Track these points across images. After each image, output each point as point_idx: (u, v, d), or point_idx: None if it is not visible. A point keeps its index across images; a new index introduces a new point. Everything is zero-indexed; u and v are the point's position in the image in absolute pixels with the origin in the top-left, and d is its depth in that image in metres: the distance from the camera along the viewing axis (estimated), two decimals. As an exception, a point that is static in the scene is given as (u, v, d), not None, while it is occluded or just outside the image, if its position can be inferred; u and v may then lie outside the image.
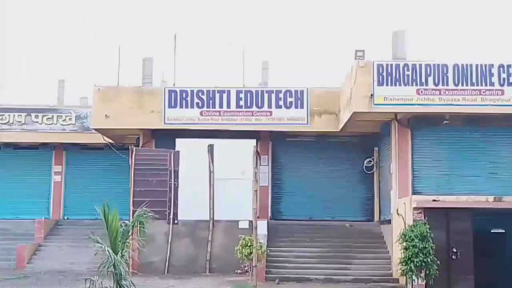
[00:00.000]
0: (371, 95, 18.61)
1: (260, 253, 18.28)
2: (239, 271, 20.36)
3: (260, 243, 18.65)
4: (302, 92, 22.42)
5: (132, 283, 8.89)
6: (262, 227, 19.53)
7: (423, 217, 16.96)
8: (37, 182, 26.86)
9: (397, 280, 18.42)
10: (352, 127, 21.20)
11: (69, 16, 56.67)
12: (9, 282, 18.22)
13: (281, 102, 22.34)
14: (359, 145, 23.67)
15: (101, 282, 8.85)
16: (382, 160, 22.33)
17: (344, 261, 20.24)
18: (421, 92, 18.87)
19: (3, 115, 25.92)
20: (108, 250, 8.72)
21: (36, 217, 25.27)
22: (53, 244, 24.53)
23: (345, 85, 20.51)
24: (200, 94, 22.49)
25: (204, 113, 22.40)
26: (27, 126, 25.99)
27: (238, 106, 22.38)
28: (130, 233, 9.37)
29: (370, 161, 23.37)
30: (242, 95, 22.40)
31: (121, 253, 9.12)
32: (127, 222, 9.50)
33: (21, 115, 26.03)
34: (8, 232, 25.19)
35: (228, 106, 22.38)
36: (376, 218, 23.12)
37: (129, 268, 9.22)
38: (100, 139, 24.58)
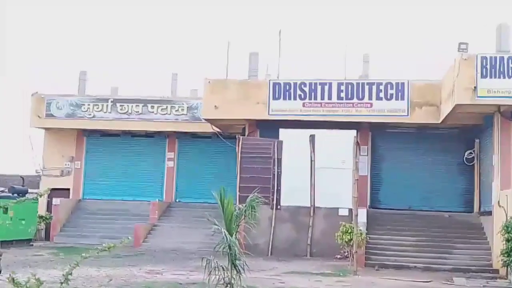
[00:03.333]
0: (475, 87, 17.80)
1: (360, 240, 18.09)
2: (338, 256, 20.21)
3: (360, 230, 18.45)
4: (402, 84, 21.83)
5: (245, 263, 9.02)
6: (361, 215, 19.27)
7: (526, 210, 16.14)
8: (152, 168, 27.78)
9: (497, 271, 17.62)
10: (453, 119, 20.41)
11: (180, 13, 58.25)
12: (128, 259, 19.02)
13: (381, 94, 21.87)
14: (460, 137, 22.78)
15: (217, 262, 9.03)
16: (483, 152, 21.38)
17: (443, 251, 19.61)
18: (526, 85, 17.88)
19: (123, 105, 26.99)
20: (224, 232, 8.88)
21: (151, 199, 26.25)
22: (166, 224, 25.40)
23: (447, 77, 19.76)
24: (302, 86, 22.41)
25: (306, 104, 22.30)
26: (143, 115, 26.91)
27: (339, 98, 22.11)
28: (243, 217, 9.50)
29: (471, 153, 22.44)
30: (343, 87, 22.11)
31: (235, 235, 9.27)
32: (240, 206, 9.64)
33: (138, 106, 26.98)
34: (126, 212, 26.35)
35: (330, 97, 22.15)
36: (476, 209, 22.20)
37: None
38: (209, 128, 25.01)
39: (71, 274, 5.03)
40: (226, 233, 8.89)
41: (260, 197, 9.91)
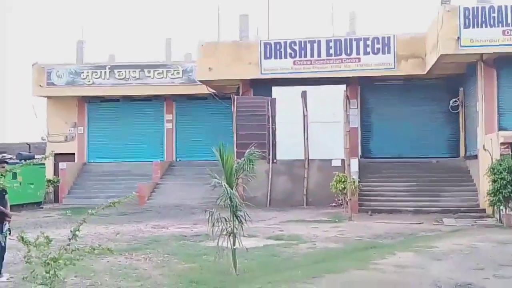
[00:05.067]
0: (458, 37, 17.53)
1: (353, 187, 18.07)
2: (333, 204, 20.25)
3: (353, 178, 18.40)
4: (388, 38, 21.49)
5: (246, 213, 8.90)
6: (353, 164, 19.18)
7: (510, 152, 16.06)
8: (152, 130, 27.58)
9: (483, 211, 17.70)
10: (437, 69, 20.18)
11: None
12: (134, 216, 19.00)
13: (369, 49, 21.54)
14: (445, 86, 22.56)
15: (219, 213, 8.91)
16: (468, 100, 21.22)
17: (432, 194, 19.64)
18: (507, 33, 17.62)
19: (120, 71, 26.59)
20: (224, 185, 8.73)
21: (152, 159, 26.10)
22: (168, 182, 25.32)
23: (431, 30, 19.43)
24: (292, 45, 22.04)
25: (297, 62, 21.97)
26: (141, 80, 26.57)
27: (328, 54, 21.79)
28: (242, 170, 9.33)
29: (455, 101, 22.28)
30: (332, 44, 21.76)
31: (235, 187, 9.12)
32: (238, 160, 9.45)
33: (135, 71, 26.60)
34: (129, 173, 26.22)
35: (319, 55, 21.82)
36: (462, 154, 22.19)
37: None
38: (204, 89, 24.74)
39: (78, 230, 4.89)
40: (227, 186, 8.74)
41: (257, 151, 9.72)
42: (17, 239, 5.24)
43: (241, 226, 9.05)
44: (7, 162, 10.01)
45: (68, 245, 4.78)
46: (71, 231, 4.86)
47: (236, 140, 21.31)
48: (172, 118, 27.55)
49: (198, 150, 26.53)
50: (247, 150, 9.64)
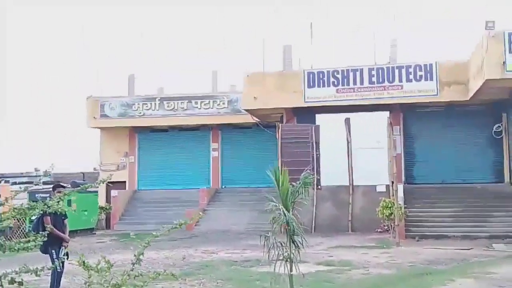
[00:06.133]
0: (504, 62, 16.71)
1: (400, 213, 17.21)
2: (379, 230, 19.36)
3: (399, 204, 17.55)
4: (431, 65, 20.76)
5: (303, 238, 8.26)
6: (398, 190, 18.33)
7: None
8: (199, 158, 27.29)
9: (533, 236, 16.58)
10: (481, 95, 19.27)
11: (216, 13, 57.62)
12: (183, 241, 18.54)
13: (411, 76, 20.83)
14: (487, 112, 21.59)
15: (275, 238, 8.30)
16: (511, 125, 20.21)
17: (479, 220, 18.56)
18: (554, 56, 16.70)
19: (169, 102, 26.55)
20: (282, 208, 8.14)
21: (199, 186, 25.71)
22: (215, 209, 24.83)
23: (475, 55, 18.63)
24: (335, 74, 21.53)
25: (340, 90, 21.42)
26: (188, 111, 26.43)
27: (370, 82, 21.18)
28: (297, 194, 8.72)
29: (499, 126, 21.28)
30: (374, 72, 21.15)
31: (292, 211, 8.50)
32: (293, 184, 8.85)
33: (183, 102, 26.51)
34: (177, 199, 25.85)
35: (362, 83, 21.23)
36: (507, 179, 21.05)
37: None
38: (249, 118, 24.43)
39: (142, 254, 4.39)
40: (284, 209, 8.15)
41: (312, 175, 9.12)
42: (77, 263, 4.77)
43: (298, 251, 8.42)
44: (64, 187, 9.68)
45: (132, 270, 4.28)
46: (135, 255, 4.36)
47: (281, 167, 20.68)
48: (218, 147, 27.24)
49: (243, 177, 26.20)
50: (302, 174, 9.06)
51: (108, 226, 25.47)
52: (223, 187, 26.94)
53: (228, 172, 26.99)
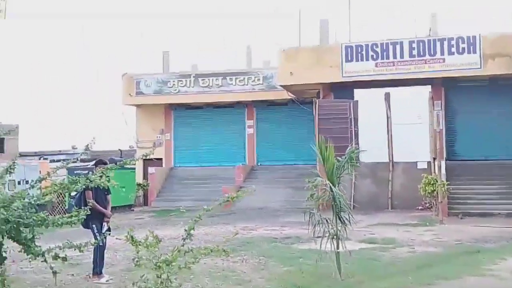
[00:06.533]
0: (555, 32, 15.86)
1: (443, 190, 16.68)
2: (420, 207, 18.88)
3: (442, 181, 17.00)
4: (474, 37, 19.90)
5: (351, 214, 7.96)
6: (441, 166, 17.76)
7: None
8: (234, 135, 27.06)
9: None
10: (528, 67, 18.45)
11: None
12: (221, 218, 18.39)
13: (453, 49, 20.03)
14: (534, 85, 20.68)
15: (320, 214, 8.02)
16: (560, 99, 19.30)
17: (526, 197, 17.90)
18: None
19: (204, 79, 26.32)
20: (328, 184, 7.84)
21: (235, 164, 25.54)
22: (251, 185, 24.65)
23: (523, 26, 17.76)
24: (374, 47, 20.88)
25: (379, 64, 20.77)
26: (223, 88, 26.15)
27: (411, 55, 20.46)
28: (343, 169, 8.39)
29: (547, 100, 20.36)
30: (414, 45, 20.42)
31: (338, 186, 8.19)
32: (338, 158, 8.51)
33: (218, 79, 26.24)
34: (214, 176, 25.74)
35: (402, 56, 20.53)
36: (554, 155, 20.21)
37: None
38: (284, 95, 24.01)
39: (193, 229, 4.16)
40: (330, 184, 7.84)
41: (358, 149, 8.79)
42: (124, 238, 4.58)
43: (345, 229, 8.13)
44: (106, 163, 9.56)
45: (183, 245, 4.06)
46: (185, 229, 4.14)
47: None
48: (253, 124, 26.94)
49: (279, 154, 25.92)
50: (348, 148, 8.73)
51: (145, 202, 25.61)
52: (259, 164, 26.70)
53: (264, 149, 26.69)
